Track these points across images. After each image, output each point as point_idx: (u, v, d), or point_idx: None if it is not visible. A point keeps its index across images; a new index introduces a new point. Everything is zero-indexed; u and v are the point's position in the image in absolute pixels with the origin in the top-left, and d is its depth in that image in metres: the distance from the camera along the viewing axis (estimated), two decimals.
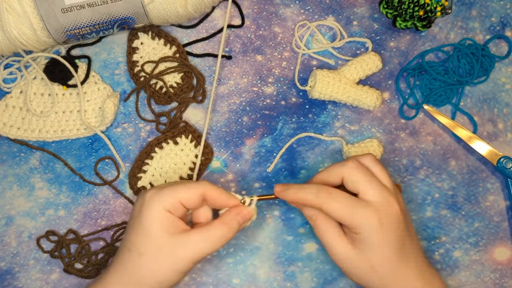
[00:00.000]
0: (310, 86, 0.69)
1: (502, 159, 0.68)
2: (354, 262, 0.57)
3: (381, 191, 0.57)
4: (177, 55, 0.69)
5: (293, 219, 0.68)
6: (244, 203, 0.58)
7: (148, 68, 0.69)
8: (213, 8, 0.70)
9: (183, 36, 0.70)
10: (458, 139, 0.69)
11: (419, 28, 0.68)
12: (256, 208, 0.59)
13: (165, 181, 0.67)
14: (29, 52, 0.67)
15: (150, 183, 0.67)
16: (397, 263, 0.57)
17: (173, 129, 0.68)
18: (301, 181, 0.69)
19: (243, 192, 0.68)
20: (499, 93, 0.70)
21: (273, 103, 0.70)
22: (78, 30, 0.63)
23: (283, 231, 0.68)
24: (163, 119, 0.69)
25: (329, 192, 0.57)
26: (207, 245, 0.54)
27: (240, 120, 0.69)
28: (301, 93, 0.70)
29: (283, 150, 0.69)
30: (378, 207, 0.56)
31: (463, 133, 0.68)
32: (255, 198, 0.59)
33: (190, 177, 0.68)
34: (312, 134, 0.69)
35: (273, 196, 0.60)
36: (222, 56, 0.70)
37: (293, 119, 0.69)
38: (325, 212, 0.57)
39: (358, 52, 0.71)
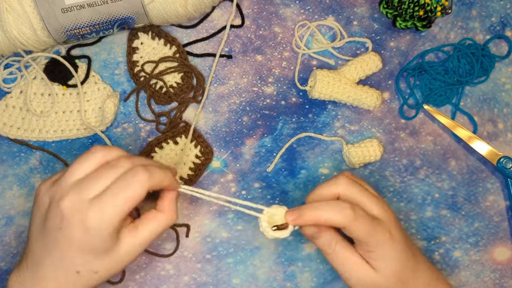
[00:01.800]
0: (310, 86, 0.69)
1: (502, 159, 0.68)
2: (380, 284, 0.55)
3: (382, 204, 0.56)
4: (177, 55, 0.69)
5: None
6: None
7: (148, 68, 0.68)
8: (213, 8, 0.70)
9: (183, 36, 0.70)
10: (458, 139, 0.69)
11: (419, 28, 0.68)
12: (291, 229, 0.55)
13: None
14: (29, 52, 0.67)
15: None
16: (414, 271, 0.56)
17: (173, 129, 0.68)
18: (301, 181, 0.69)
19: (247, 196, 0.68)
20: (499, 93, 0.70)
21: (273, 103, 0.70)
22: (78, 30, 0.63)
23: None
24: (163, 119, 0.69)
25: (352, 208, 0.53)
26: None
27: (240, 120, 0.69)
28: (301, 93, 0.70)
29: (283, 150, 0.69)
30: (385, 221, 0.55)
31: (463, 133, 0.68)
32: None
33: (190, 177, 0.68)
34: (312, 134, 0.69)
35: (287, 226, 0.54)
36: (222, 56, 0.70)
37: (293, 119, 0.69)
38: (347, 232, 0.54)
39: (358, 52, 0.71)
